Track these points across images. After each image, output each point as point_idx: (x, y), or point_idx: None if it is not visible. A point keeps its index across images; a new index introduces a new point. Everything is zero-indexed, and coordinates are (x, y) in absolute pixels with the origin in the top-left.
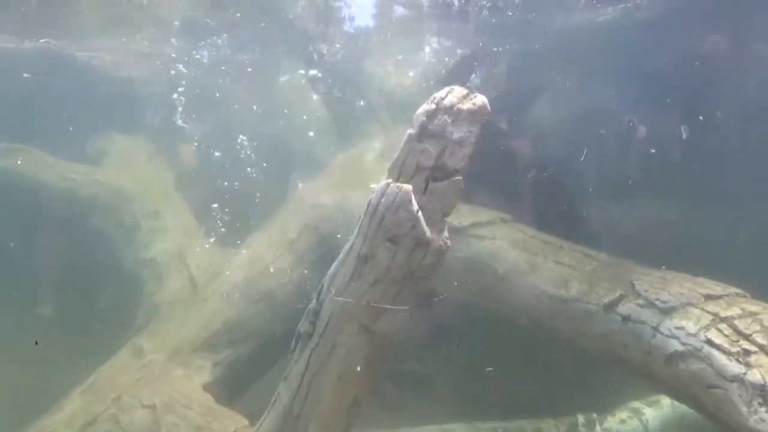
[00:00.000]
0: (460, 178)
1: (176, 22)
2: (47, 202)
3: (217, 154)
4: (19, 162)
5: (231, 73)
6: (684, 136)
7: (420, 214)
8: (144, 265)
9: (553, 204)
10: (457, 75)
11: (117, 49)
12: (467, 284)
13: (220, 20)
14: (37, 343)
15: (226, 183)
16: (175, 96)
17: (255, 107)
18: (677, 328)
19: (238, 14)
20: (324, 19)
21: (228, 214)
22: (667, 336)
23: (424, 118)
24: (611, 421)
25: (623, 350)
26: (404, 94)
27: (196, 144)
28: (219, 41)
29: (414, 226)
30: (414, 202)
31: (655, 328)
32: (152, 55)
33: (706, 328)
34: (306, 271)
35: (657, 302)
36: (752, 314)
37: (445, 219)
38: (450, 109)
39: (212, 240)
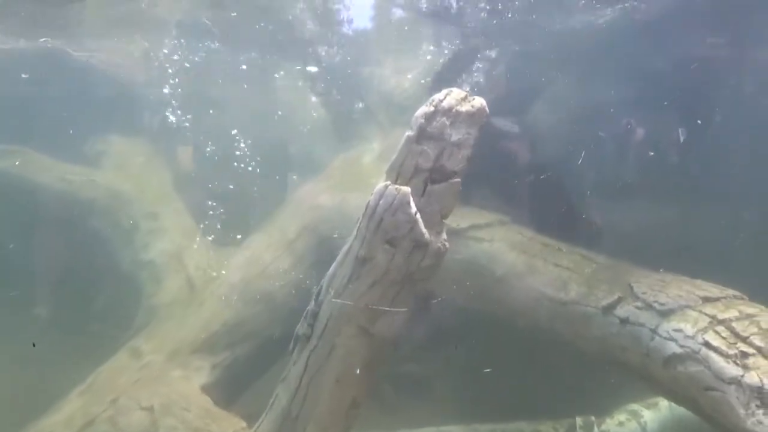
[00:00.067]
0: (458, 180)
1: (175, 24)
2: (45, 204)
3: (215, 155)
4: (17, 163)
5: (229, 75)
6: (682, 138)
7: (418, 216)
8: (142, 266)
9: (551, 206)
10: (446, 74)
11: (116, 51)
12: (465, 286)
13: (218, 22)
14: (34, 345)
15: (224, 184)
16: (173, 97)
17: (253, 109)
18: (675, 330)
19: (237, 16)
20: (323, 21)
21: (226, 215)
22: (665, 338)
23: (423, 120)
24: (609, 424)
25: (621, 352)
26: (403, 96)
27: (194, 145)
28: (218, 43)
29: (412, 228)
30: (412, 204)
31: (653, 331)
32: (151, 56)
33: (704, 330)
34: (304, 273)
35: (655, 304)
36: (750, 316)
37: (444, 221)
38: (448, 111)
39: (211, 241)
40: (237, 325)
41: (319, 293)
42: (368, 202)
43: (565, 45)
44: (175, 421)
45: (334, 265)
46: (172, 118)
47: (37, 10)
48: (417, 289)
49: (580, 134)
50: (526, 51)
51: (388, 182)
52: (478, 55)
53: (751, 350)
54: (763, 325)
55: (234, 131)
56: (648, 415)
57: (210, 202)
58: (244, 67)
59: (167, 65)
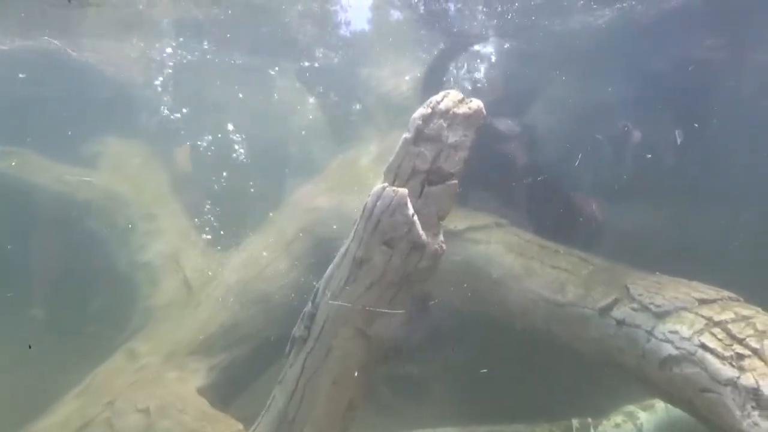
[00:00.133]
0: (455, 181)
1: (172, 26)
2: (42, 205)
3: (212, 157)
4: (13, 164)
5: (227, 77)
6: (679, 139)
7: (415, 217)
8: (139, 267)
9: (549, 208)
10: (431, 74)
11: (113, 52)
12: (463, 288)
13: (216, 24)
14: (30, 347)
15: (221, 186)
16: (171, 99)
17: (251, 110)
18: (671, 332)
19: (235, 18)
20: (320, 23)
21: (223, 217)
22: (661, 340)
23: (420, 122)
24: (606, 425)
25: (618, 354)
26: (400, 97)
27: (191, 147)
28: (215, 45)
29: (409, 230)
30: (410, 205)
31: (650, 332)
32: (148, 57)
33: (700, 332)
34: (302, 275)
35: (651, 306)
36: (745, 318)
37: (441, 223)
38: (446, 114)
39: (208, 243)
40: (234, 326)
41: (316, 295)
42: (365, 204)
43: (562, 46)
44: (171, 424)
45: (331, 266)
46: (169, 120)
47: (36, 11)
48: (414, 290)
49: (578, 135)
50: (523, 51)
51: (386, 184)
52: (462, 54)
53: (747, 352)
54: (759, 327)
55: (231, 133)
56: (644, 417)
57: (207, 204)
58: (242, 68)
59: (165, 66)
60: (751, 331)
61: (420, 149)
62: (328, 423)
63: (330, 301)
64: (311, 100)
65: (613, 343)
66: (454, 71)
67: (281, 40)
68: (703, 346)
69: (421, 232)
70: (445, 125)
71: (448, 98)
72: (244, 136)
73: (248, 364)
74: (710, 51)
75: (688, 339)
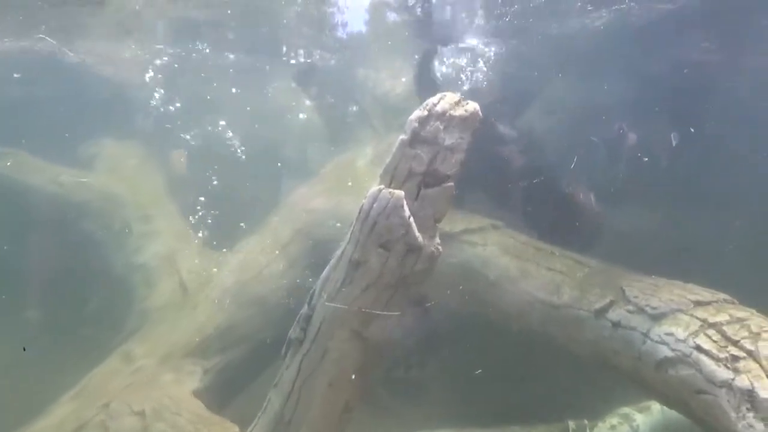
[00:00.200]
0: (451, 184)
1: (169, 27)
2: (37, 206)
3: (208, 158)
4: (8, 164)
5: (224, 78)
6: (674, 142)
7: (412, 219)
8: (135, 269)
9: (544, 210)
10: (421, 75)
11: (110, 52)
12: (459, 290)
13: (213, 25)
14: (25, 349)
15: (217, 188)
16: (166, 100)
17: (247, 112)
18: (667, 334)
19: (232, 20)
20: (317, 25)
21: (220, 218)
22: (656, 342)
23: (417, 124)
24: (602, 427)
25: (614, 356)
26: (397, 99)
27: (187, 148)
28: (212, 46)
29: (406, 232)
30: (406, 207)
31: (645, 334)
32: (144, 59)
33: (695, 334)
34: (298, 276)
35: (647, 308)
36: (740, 320)
37: (437, 225)
38: (442, 116)
39: (204, 245)
40: (230, 328)
41: (312, 297)
42: (362, 206)
43: (559, 48)
44: (166, 426)
45: (327, 268)
46: (165, 121)
47: (33, 11)
48: (410, 292)
49: (574, 137)
50: (520, 54)
51: (382, 186)
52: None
53: (741, 354)
54: (754, 329)
55: (228, 134)
56: (640, 419)
57: (203, 206)
58: (239, 70)
59: (161, 68)
60: (746, 333)
61: (416, 151)
62: (324, 425)
63: (326, 303)
64: (308, 101)
65: (608, 345)
66: (453, 74)
67: (278, 41)
68: (699, 348)
69: (417, 234)
70: (441, 127)
71: (445, 100)
72: (240, 138)
73: (244, 366)
74: (706, 53)
75: (684, 341)
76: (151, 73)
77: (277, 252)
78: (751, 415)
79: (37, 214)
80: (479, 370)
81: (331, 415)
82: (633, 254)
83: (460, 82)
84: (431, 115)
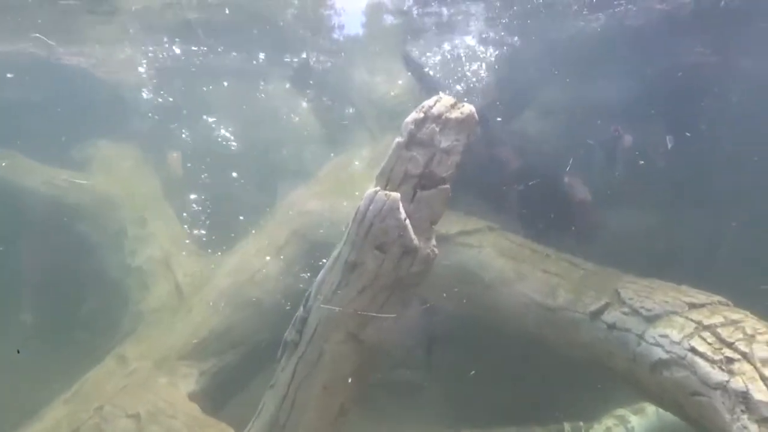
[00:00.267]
0: (447, 186)
1: (165, 28)
2: (32, 208)
3: (205, 160)
4: (3, 165)
5: (220, 80)
6: (670, 144)
7: (408, 221)
8: (130, 272)
9: (540, 212)
10: (412, 69)
11: (105, 54)
12: (454, 292)
13: (210, 27)
14: (19, 352)
15: (213, 190)
16: (162, 102)
17: (243, 114)
18: (661, 336)
19: (228, 21)
20: (314, 28)
21: (215, 221)
22: (651, 344)
23: (413, 127)
24: (597, 429)
25: (609, 358)
26: (393, 102)
27: (183, 151)
28: (208, 48)
29: (402, 234)
30: (402, 209)
31: (640, 336)
32: (140, 60)
33: (690, 336)
34: (294, 279)
35: (642, 310)
36: (735, 322)
37: (433, 227)
38: (438, 118)
39: (199, 247)
40: (225, 331)
41: (308, 299)
42: (358, 208)
43: (556, 50)
44: (161, 429)
45: (323, 270)
46: (161, 123)
47: (28, 13)
48: (406, 295)
49: (570, 139)
50: (518, 55)
51: (378, 188)
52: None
53: (736, 356)
54: (748, 331)
55: (223, 136)
56: (635, 420)
57: (199, 208)
58: (235, 72)
59: (157, 70)
60: (740, 335)
61: (412, 153)
62: (319, 428)
63: (322, 305)
64: (304, 104)
65: (603, 347)
66: (450, 75)
67: (275, 43)
68: (693, 350)
69: (413, 236)
70: (437, 130)
71: (441, 103)
72: (236, 140)
73: (240, 369)
74: (701, 55)
75: (678, 343)
76: (147, 75)
77: (273, 254)
78: (745, 416)
79: (31, 216)
80: (472, 372)
81: (326, 418)
82: (628, 256)
83: (456, 84)
84: (427, 118)
